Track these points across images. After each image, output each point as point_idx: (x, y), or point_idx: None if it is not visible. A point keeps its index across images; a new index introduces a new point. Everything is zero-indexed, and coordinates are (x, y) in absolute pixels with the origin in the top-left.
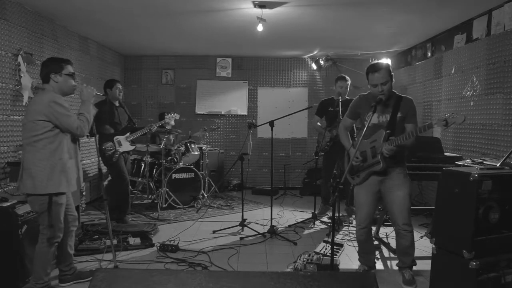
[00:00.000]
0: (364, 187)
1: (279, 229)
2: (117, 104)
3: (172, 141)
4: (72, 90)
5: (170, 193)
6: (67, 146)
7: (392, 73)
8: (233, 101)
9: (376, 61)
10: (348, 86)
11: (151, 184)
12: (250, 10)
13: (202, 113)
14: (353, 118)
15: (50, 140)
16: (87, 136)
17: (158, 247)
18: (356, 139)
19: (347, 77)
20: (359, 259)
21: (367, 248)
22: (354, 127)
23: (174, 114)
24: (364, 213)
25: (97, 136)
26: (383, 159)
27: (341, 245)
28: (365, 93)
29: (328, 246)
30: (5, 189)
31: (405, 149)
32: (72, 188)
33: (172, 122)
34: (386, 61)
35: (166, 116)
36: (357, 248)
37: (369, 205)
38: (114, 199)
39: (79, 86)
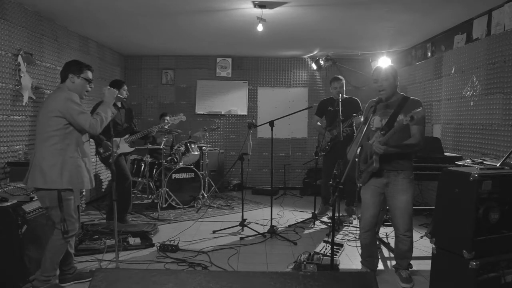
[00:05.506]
0: (369, 189)
1: (279, 229)
2: (119, 105)
3: (171, 141)
4: (84, 94)
5: (170, 193)
6: (79, 145)
7: (396, 75)
8: (233, 101)
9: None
10: (344, 85)
11: (151, 184)
12: (250, 10)
13: (202, 113)
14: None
15: (63, 137)
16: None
17: (158, 247)
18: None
19: (341, 77)
20: (361, 262)
21: (371, 251)
22: (354, 127)
23: (180, 115)
24: (369, 215)
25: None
26: (377, 159)
27: (341, 245)
28: (375, 99)
29: (328, 246)
30: (5, 189)
31: (407, 151)
32: (82, 186)
33: (167, 126)
34: (387, 62)
35: (170, 118)
36: (357, 248)
37: (375, 207)
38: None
39: (102, 89)
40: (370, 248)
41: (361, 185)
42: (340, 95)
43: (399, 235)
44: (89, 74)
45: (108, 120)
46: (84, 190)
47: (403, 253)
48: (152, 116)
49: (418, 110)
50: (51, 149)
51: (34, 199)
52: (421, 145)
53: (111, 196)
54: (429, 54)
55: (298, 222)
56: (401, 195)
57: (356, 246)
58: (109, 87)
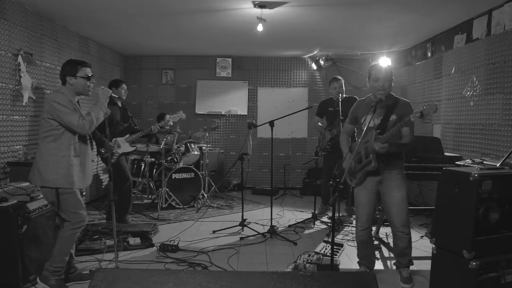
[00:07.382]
0: (363, 187)
1: (279, 229)
2: (119, 104)
3: (172, 141)
4: (87, 91)
5: (170, 193)
6: (74, 145)
7: (393, 77)
8: (233, 101)
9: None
10: (343, 85)
11: (151, 184)
12: (250, 10)
13: (202, 113)
14: (353, 123)
15: (56, 137)
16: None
17: (158, 247)
18: (356, 139)
19: (340, 77)
20: (358, 262)
21: (368, 250)
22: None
23: (180, 113)
24: (365, 213)
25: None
26: (374, 158)
27: (341, 245)
28: (363, 98)
29: (328, 246)
30: (5, 189)
31: (401, 150)
32: (73, 185)
33: (171, 122)
34: (386, 62)
35: (170, 116)
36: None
37: (370, 206)
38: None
39: (95, 89)
40: (367, 246)
41: (353, 186)
42: (340, 95)
43: (397, 232)
44: (87, 71)
45: (100, 121)
46: (84, 190)
47: (402, 250)
48: (152, 116)
49: (425, 107)
50: (46, 148)
51: (34, 199)
52: (412, 145)
53: (111, 196)
54: (429, 54)
55: (298, 222)
56: (396, 191)
57: (356, 246)
58: (103, 87)
